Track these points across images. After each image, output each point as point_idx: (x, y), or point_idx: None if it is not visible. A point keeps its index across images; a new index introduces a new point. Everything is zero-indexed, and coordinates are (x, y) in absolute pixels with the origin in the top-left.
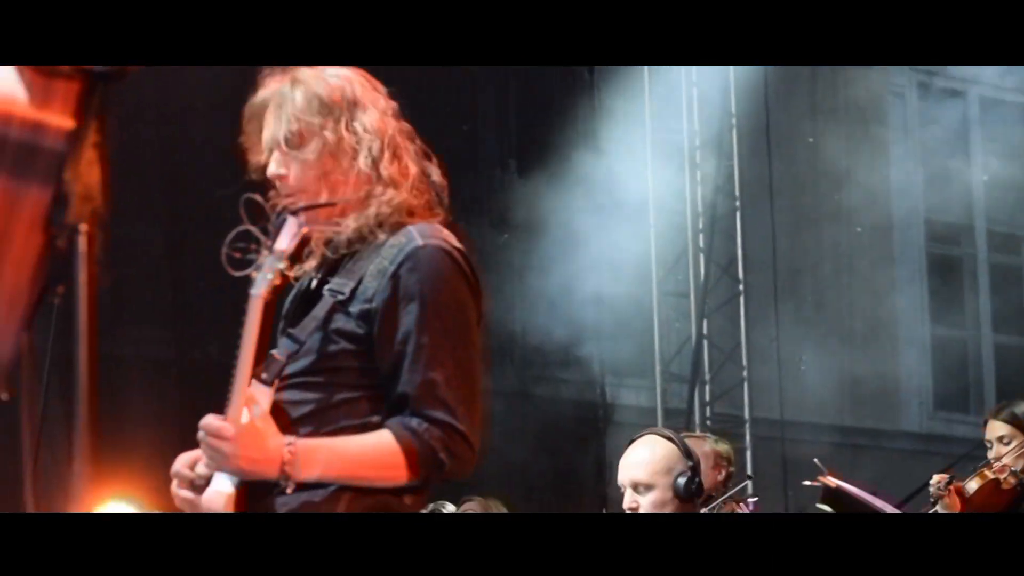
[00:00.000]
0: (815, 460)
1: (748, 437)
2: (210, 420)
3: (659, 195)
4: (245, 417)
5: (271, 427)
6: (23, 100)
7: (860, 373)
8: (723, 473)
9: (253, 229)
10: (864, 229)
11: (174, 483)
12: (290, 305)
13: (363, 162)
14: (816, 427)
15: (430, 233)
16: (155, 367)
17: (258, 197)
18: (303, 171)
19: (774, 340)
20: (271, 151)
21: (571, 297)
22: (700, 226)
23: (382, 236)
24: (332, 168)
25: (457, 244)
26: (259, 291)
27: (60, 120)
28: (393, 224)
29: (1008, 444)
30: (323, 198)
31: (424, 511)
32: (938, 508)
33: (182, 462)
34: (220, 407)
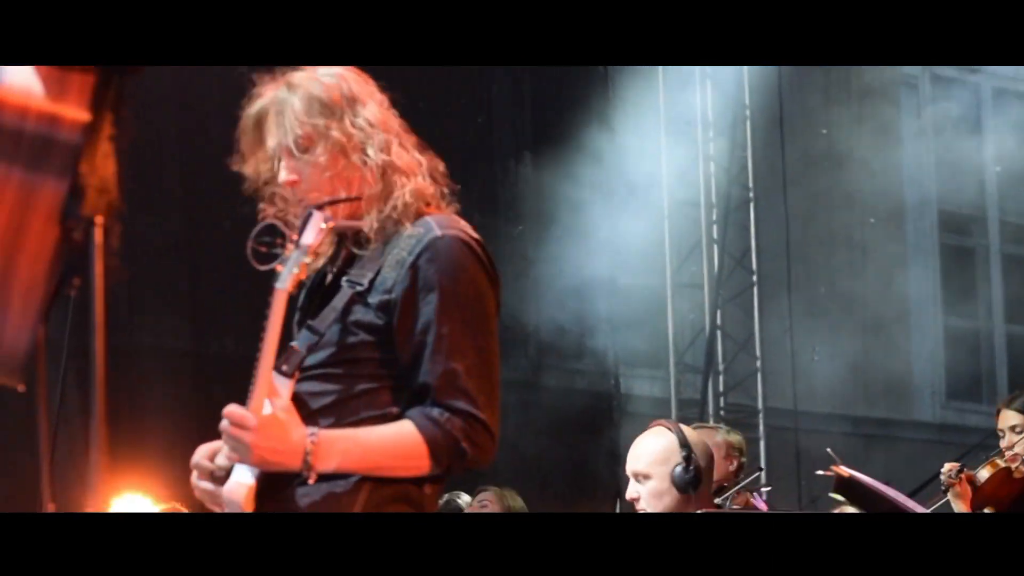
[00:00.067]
0: (828, 450)
1: (761, 427)
2: (233, 409)
3: (673, 187)
4: (267, 409)
5: (294, 418)
6: (39, 93)
7: (873, 363)
8: (735, 463)
9: (278, 223)
10: (877, 220)
11: (194, 474)
12: (307, 297)
13: (373, 155)
14: (829, 417)
15: (448, 223)
16: (172, 358)
17: (282, 190)
18: (314, 173)
19: (787, 331)
20: (278, 159)
21: (585, 288)
22: (714, 217)
23: (402, 227)
24: (343, 166)
25: (475, 234)
26: (284, 285)
27: (75, 113)
28: (413, 214)
29: (1020, 433)
30: (341, 195)
31: (439, 501)
32: (949, 496)
33: (202, 453)
34: (236, 398)
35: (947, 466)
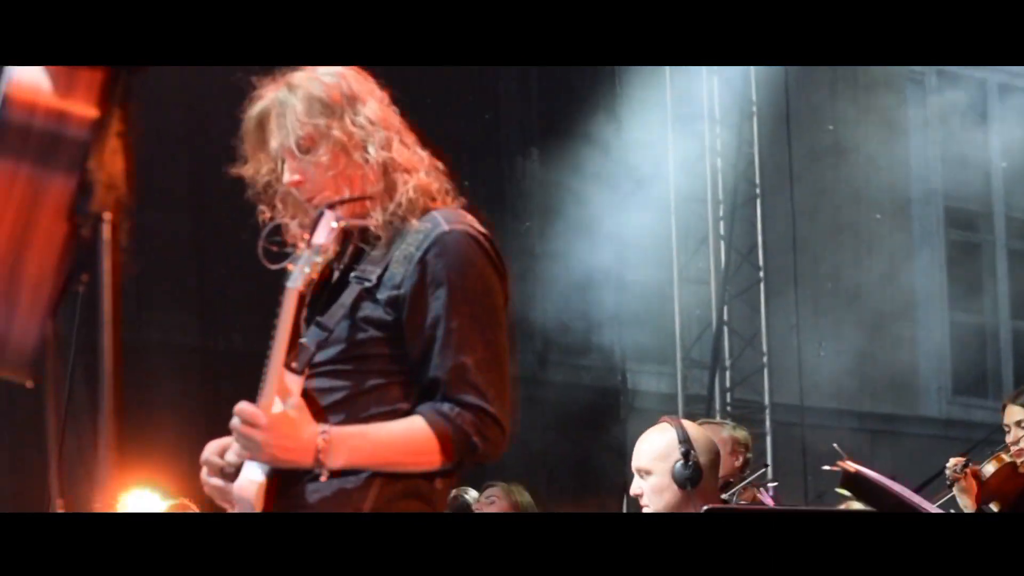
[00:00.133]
0: (834, 445)
1: (768, 423)
2: (244, 407)
3: (680, 182)
4: (278, 406)
5: (305, 416)
6: (47, 89)
7: (879, 359)
8: (740, 459)
9: (290, 223)
10: (883, 216)
11: (204, 471)
12: (314, 294)
13: (374, 153)
14: (835, 412)
15: (455, 218)
16: (180, 354)
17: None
18: (318, 173)
19: (794, 326)
20: (281, 160)
21: (592, 284)
22: (721, 213)
23: (408, 223)
24: (345, 164)
25: (482, 228)
26: (296, 284)
27: (84, 109)
28: (419, 209)
29: None
30: (345, 195)
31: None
32: (955, 491)
33: (211, 450)
34: (245, 394)
35: (952, 461)
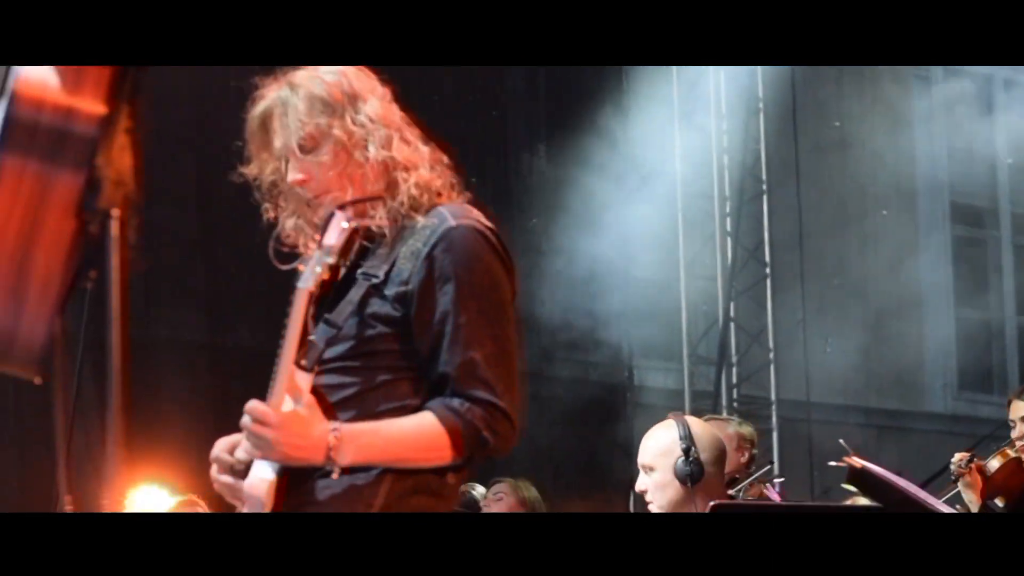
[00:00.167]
0: (840, 441)
1: (774, 418)
2: (255, 405)
3: (686, 179)
4: (288, 405)
5: (316, 414)
6: (55, 86)
7: (885, 354)
8: (746, 455)
9: (288, 220)
10: (889, 211)
11: (213, 468)
12: (320, 291)
13: (373, 152)
14: (841, 408)
15: (462, 213)
16: (188, 351)
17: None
18: (322, 172)
19: (800, 322)
20: (285, 160)
21: (598, 280)
22: (727, 210)
23: (413, 219)
24: (347, 163)
25: (488, 223)
26: (307, 285)
27: (92, 105)
28: (424, 204)
29: None
30: (349, 193)
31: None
32: (959, 486)
33: (221, 447)
34: (252, 390)
35: (957, 456)
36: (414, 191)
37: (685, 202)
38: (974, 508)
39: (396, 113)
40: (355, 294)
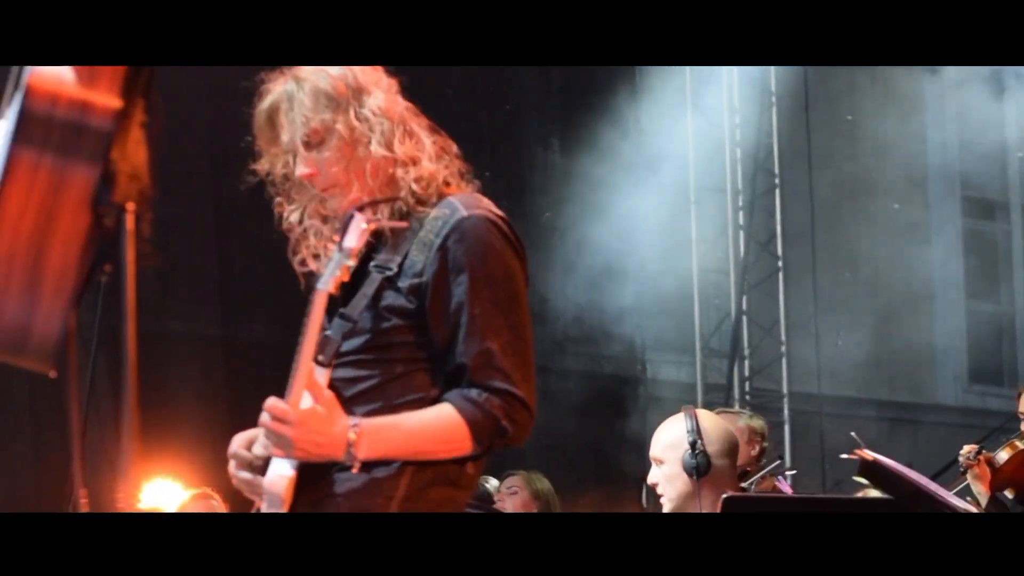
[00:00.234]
0: (852, 434)
1: (786, 411)
2: (274, 403)
3: (699, 173)
4: (306, 401)
5: (335, 410)
6: (70, 80)
7: (896, 348)
8: (757, 448)
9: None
10: (901, 205)
11: (231, 464)
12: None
13: (376, 146)
14: (853, 401)
15: (473, 203)
16: (201, 344)
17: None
18: (328, 167)
19: (812, 316)
20: (293, 154)
21: (612, 274)
22: (740, 203)
23: (423, 210)
24: (351, 158)
25: (500, 212)
26: (326, 287)
27: (107, 100)
28: (432, 195)
29: None
30: (353, 187)
31: None
32: (968, 478)
33: (239, 443)
34: (266, 384)
35: (965, 448)
36: (415, 186)
37: (698, 195)
38: (983, 500)
39: (401, 105)
40: (369, 287)
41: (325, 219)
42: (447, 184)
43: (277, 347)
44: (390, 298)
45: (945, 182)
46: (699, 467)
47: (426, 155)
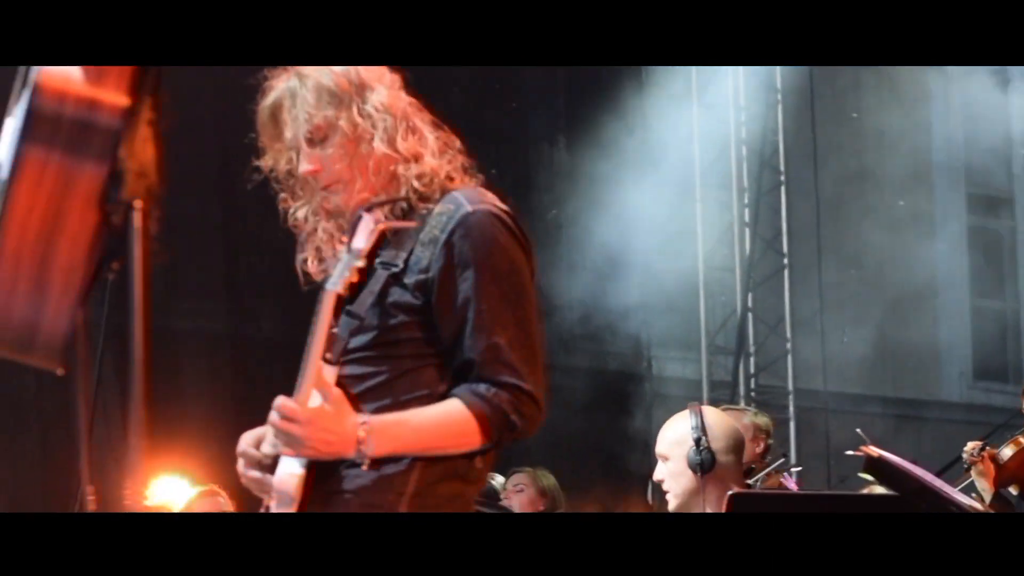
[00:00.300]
0: (857, 430)
1: (792, 408)
2: (283, 402)
3: (705, 170)
4: (315, 400)
5: (344, 408)
6: (78, 78)
7: (901, 344)
8: (761, 445)
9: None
10: (906, 202)
11: (240, 463)
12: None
13: (379, 142)
14: (858, 398)
15: (477, 198)
16: (209, 341)
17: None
18: (331, 163)
19: (817, 313)
20: (296, 151)
21: (618, 271)
22: (746, 200)
23: (427, 205)
24: (354, 154)
25: (504, 206)
26: (335, 287)
27: (115, 97)
28: (435, 192)
29: None
30: (356, 183)
31: None
32: (972, 474)
33: (247, 441)
34: (274, 380)
35: (970, 445)
36: (416, 183)
37: (704, 193)
38: (987, 496)
39: (404, 100)
40: (375, 284)
41: (330, 215)
42: (451, 179)
43: (284, 344)
44: (396, 295)
45: (951, 179)
46: (704, 463)
47: (429, 151)
